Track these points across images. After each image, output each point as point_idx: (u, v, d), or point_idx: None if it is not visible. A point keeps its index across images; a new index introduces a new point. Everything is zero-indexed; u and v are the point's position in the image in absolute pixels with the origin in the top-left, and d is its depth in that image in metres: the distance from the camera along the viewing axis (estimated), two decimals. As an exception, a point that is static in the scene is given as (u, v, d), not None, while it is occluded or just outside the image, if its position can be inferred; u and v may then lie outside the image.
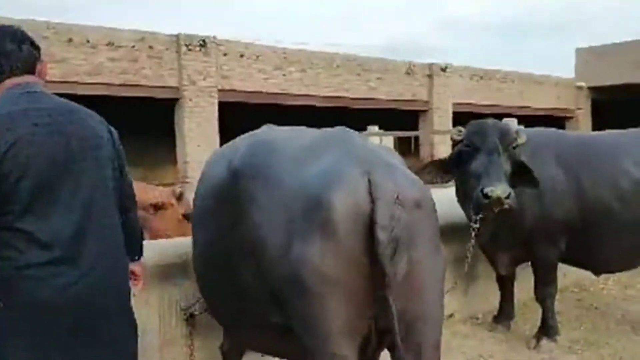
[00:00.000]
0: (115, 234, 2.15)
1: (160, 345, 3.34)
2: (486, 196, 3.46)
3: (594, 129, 16.95)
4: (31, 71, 2.08)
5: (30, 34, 2.14)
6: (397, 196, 2.04)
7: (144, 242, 2.56)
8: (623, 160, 4.05)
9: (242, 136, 2.86)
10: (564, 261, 4.30)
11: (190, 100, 11.99)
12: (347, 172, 2.09)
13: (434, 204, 2.23)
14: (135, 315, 2.29)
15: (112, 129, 2.21)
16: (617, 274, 5.38)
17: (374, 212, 1.99)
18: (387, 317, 2.03)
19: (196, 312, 3.34)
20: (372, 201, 2.00)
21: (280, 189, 2.20)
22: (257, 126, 2.85)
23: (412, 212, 2.07)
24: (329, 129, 2.52)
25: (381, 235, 1.97)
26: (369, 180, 2.03)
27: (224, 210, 2.43)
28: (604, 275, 5.56)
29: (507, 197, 3.46)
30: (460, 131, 3.87)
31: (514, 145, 3.78)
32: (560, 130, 4.53)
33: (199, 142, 12.12)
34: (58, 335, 1.94)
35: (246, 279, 2.32)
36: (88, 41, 10.83)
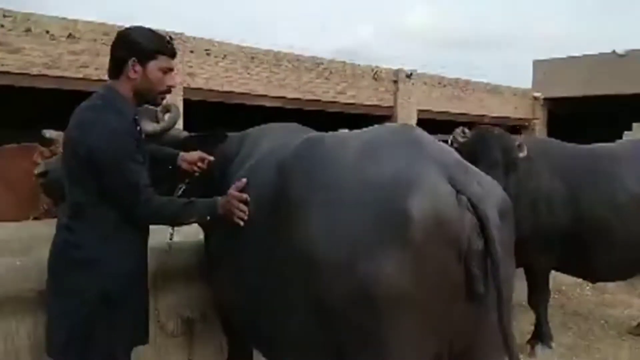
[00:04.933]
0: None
1: (156, 355, 3.09)
2: None
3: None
4: None
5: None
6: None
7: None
8: (620, 171, 4.07)
9: (263, 133, 2.74)
10: (558, 269, 4.30)
11: (155, 97, 11.59)
12: (425, 175, 1.83)
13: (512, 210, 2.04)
14: None
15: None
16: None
17: (483, 218, 1.79)
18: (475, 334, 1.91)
19: (196, 319, 3.13)
20: (469, 207, 1.80)
21: (344, 194, 1.90)
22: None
23: (501, 219, 1.88)
24: (388, 125, 2.26)
25: (494, 243, 1.78)
26: (453, 185, 1.83)
27: (269, 216, 2.15)
28: (579, 281, 5.66)
29: None
30: (464, 133, 3.78)
31: (515, 161, 3.72)
32: (557, 140, 4.53)
33: (163, 140, 11.72)
34: None
35: (292, 292, 2.03)
36: (47, 32, 10.27)
